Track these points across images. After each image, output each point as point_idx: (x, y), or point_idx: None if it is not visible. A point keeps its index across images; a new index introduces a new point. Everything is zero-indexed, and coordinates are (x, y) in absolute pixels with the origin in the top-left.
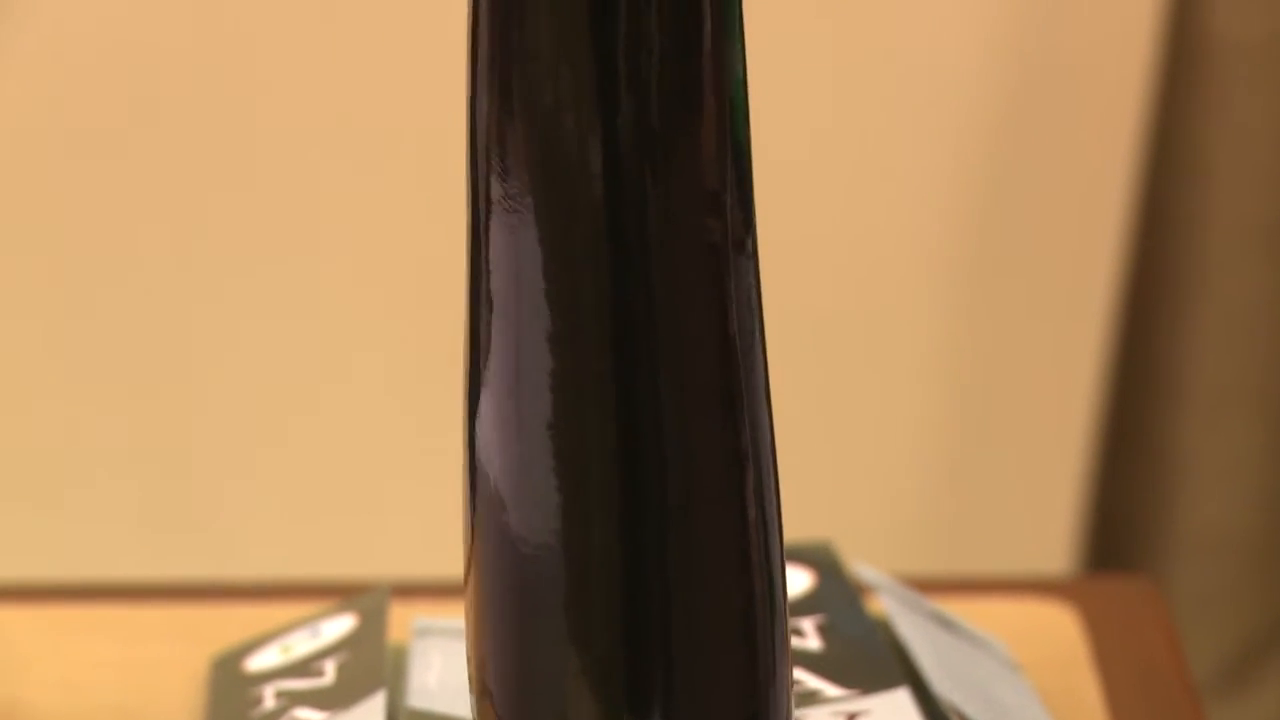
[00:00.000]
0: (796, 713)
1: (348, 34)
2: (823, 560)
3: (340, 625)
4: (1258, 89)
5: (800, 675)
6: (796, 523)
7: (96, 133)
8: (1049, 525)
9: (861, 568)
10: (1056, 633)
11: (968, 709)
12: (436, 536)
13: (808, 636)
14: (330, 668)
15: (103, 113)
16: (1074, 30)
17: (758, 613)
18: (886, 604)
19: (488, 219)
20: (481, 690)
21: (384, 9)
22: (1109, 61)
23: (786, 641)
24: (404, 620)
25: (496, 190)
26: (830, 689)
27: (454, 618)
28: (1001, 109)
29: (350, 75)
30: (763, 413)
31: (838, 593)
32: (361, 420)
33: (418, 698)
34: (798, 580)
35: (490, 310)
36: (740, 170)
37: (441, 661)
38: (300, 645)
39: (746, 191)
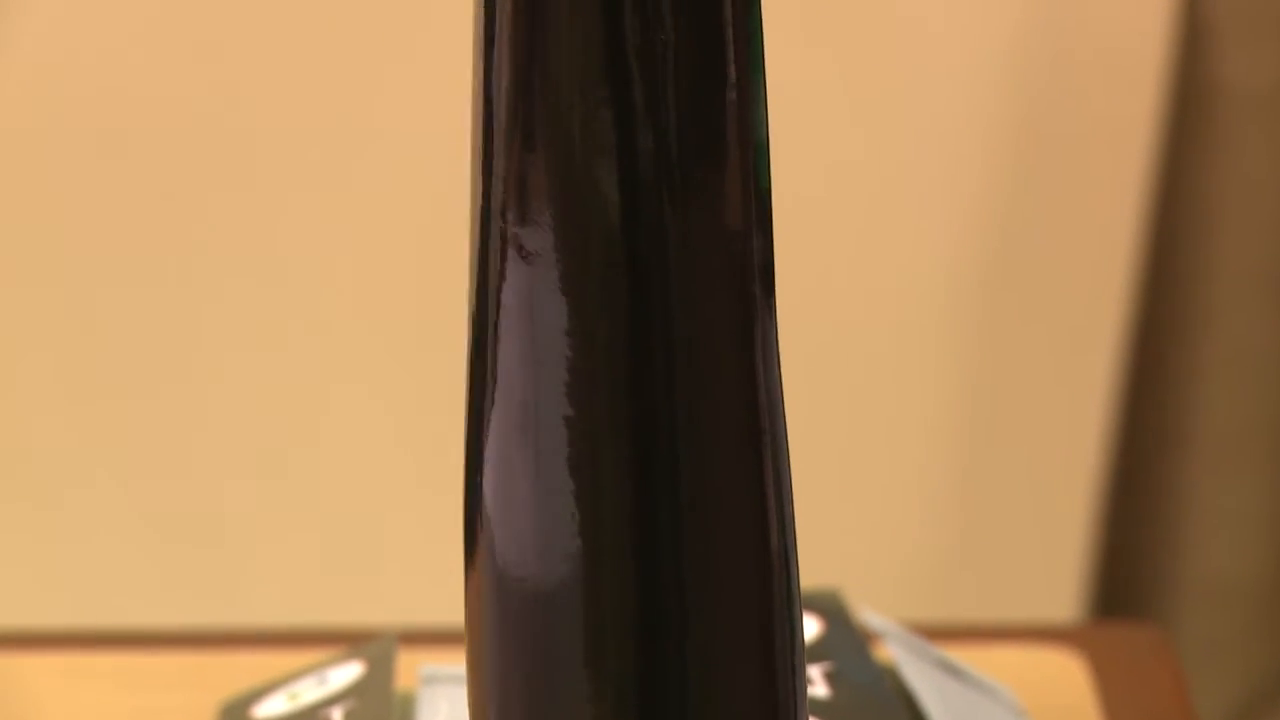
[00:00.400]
0: None
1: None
2: (830, 607)
3: (348, 673)
4: (1266, 136)
5: None
6: (803, 570)
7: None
8: (1056, 572)
9: (869, 615)
10: (1064, 680)
11: None
12: (444, 583)
13: (815, 683)
14: (338, 715)
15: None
16: (1082, 75)
17: (778, 663)
18: (894, 651)
19: (501, 259)
20: None
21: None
22: (1117, 107)
23: (805, 693)
24: (411, 667)
25: (511, 228)
26: None
27: (461, 665)
28: (1008, 155)
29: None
30: (785, 458)
31: (845, 640)
32: (368, 467)
33: None
34: (805, 627)
35: (498, 350)
36: (762, 209)
37: (449, 709)
38: (308, 693)
39: (768, 232)
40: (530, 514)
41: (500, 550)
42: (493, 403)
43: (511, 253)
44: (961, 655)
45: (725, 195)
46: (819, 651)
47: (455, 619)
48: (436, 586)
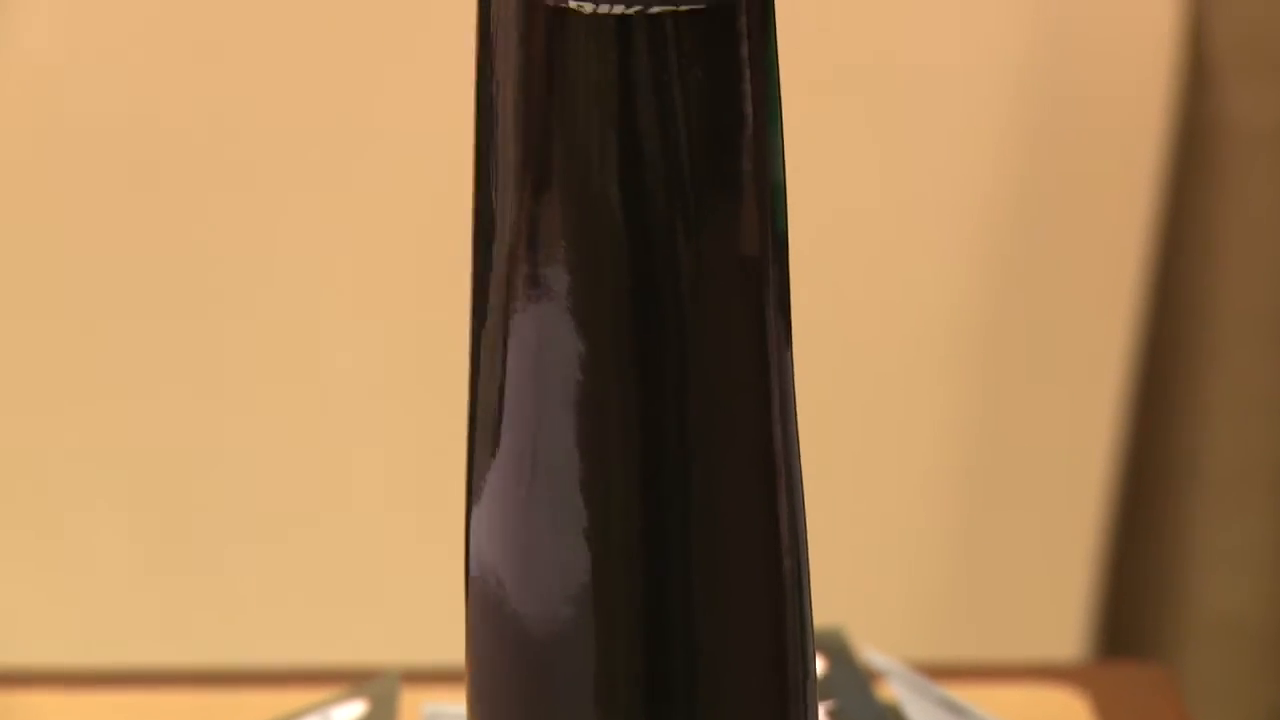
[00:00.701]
0: None
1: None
2: (833, 646)
3: (351, 711)
4: (1270, 174)
5: None
6: None
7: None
8: (1060, 611)
9: (872, 653)
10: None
11: None
12: (446, 622)
13: None
14: None
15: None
16: (1088, 114)
17: (791, 701)
18: (897, 690)
19: (509, 296)
20: None
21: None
22: (1122, 145)
23: None
24: (414, 706)
25: (520, 265)
26: None
27: (464, 704)
28: (1014, 193)
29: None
30: (799, 495)
31: (849, 679)
32: (371, 504)
33: None
34: None
35: (504, 385)
36: (780, 260)
37: None
38: None
39: (785, 282)
40: (535, 550)
41: (502, 588)
42: (497, 439)
43: (519, 290)
44: (965, 694)
45: (741, 231)
46: (823, 690)
47: (458, 658)
48: (439, 625)
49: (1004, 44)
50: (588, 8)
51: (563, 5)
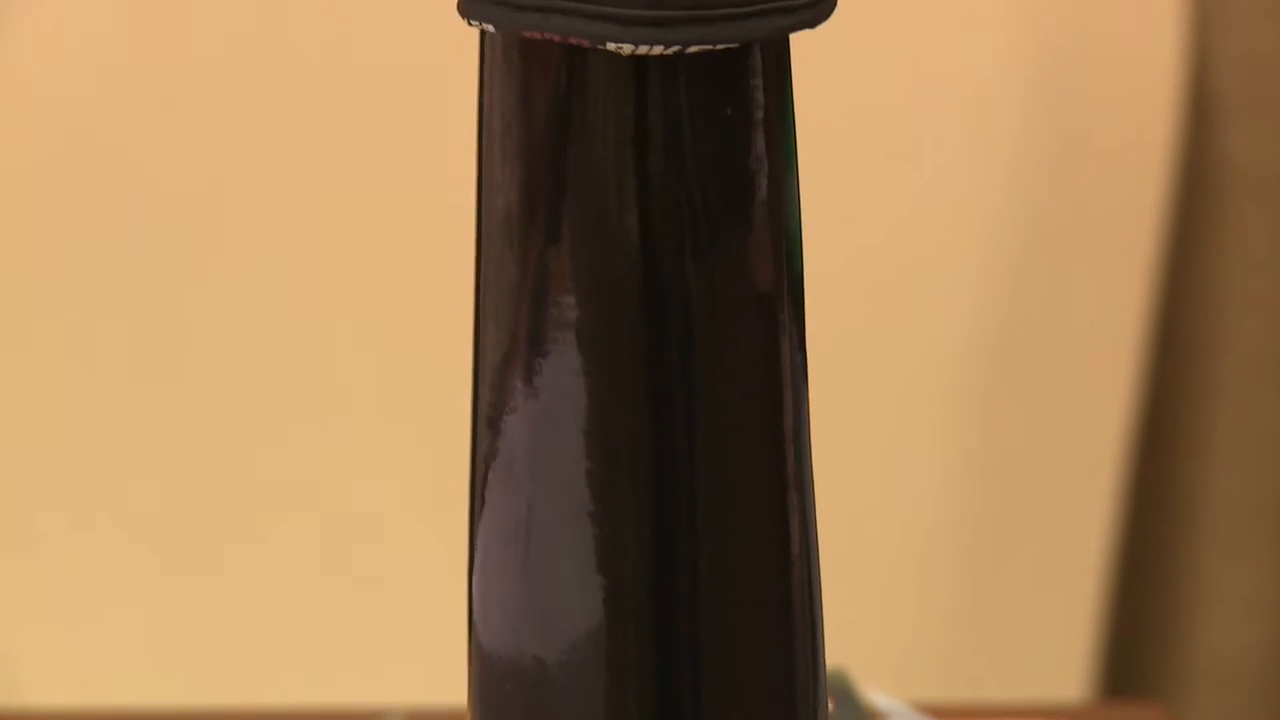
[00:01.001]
0: None
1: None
2: (837, 687)
3: None
4: (1275, 215)
5: None
6: None
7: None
8: (1063, 652)
9: (876, 695)
10: None
11: None
12: (450, 663)
13: None
14: None
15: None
16: (1090, 154)
17: None
18: None
19: (520, 346)
20: None
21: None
22: (1124, 186)
23: None
24: None
25: (529, 315)
26: None
27: None
28: (1015, 232)
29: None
30: (814, 534)
31: (853, 719)
32: (375, 544)
33: None
34: None
35: (509, 433)
36: (797, 300)
37: None
38: None
39: (801, 321)
40: (541, 592)
41: (506, 630)
42: (502, 479)
43: (526, 329)
44: None
45: (757, 274)
46: None
47: (461, 700)
48: (443, 666)
49: (1005, 84)
50: (627, 49)
51: (581, 45)
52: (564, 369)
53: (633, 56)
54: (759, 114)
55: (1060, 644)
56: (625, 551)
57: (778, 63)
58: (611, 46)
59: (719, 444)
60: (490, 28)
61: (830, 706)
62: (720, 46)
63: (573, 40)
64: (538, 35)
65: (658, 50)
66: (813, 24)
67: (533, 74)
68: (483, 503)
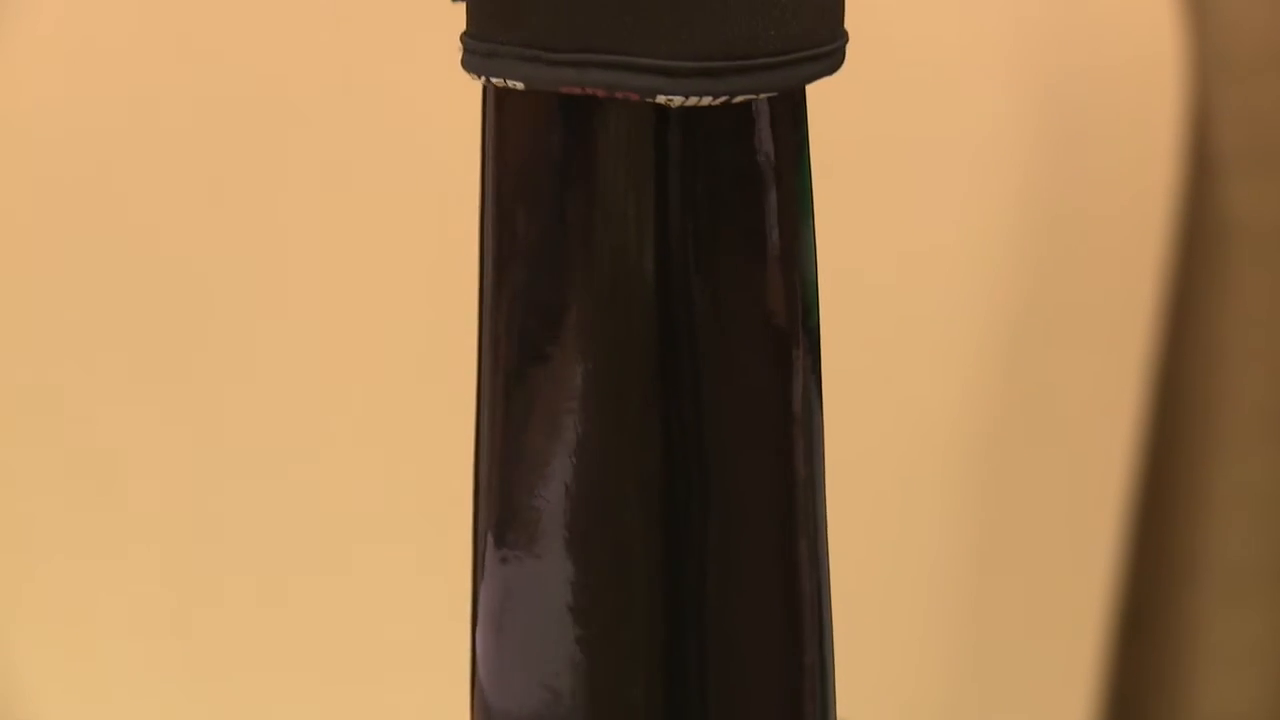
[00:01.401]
0: None
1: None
2: None
3: None
4: (1276, 272)
5: None
6: None
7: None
8: (1065, 704)
9: None
10: None
11: None
12: (453, 704)
13: None
14: None
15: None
16: (1090, 210)
17: None
18: None
19: (517, 384)
20: None
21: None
22: (1124, 242)
23: None
24: None
25: (536, 356)
26: None
27: None
28: (1014, 288)
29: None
30: (827, 602)
31: None
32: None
33: None
34: None
35: (512, 470)
36: (813, 353)
37: None
38: None
39: (817, 374)
40: (542, 632)
41: (509, 671)
42: (504, 520)
43: (531, 375)
44: None
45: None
46: None
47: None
48: (447, 708)
49: (1005, 141)
50: (677, 101)
51: (593, 94)
52: (571, 427)
53: (654, 105)
54: (773, 161)
55: (1061, 697)
56: (629, 593)
57: (794, 109)
58: (661, 99)
59: (730, 499)
60: (519, 85)
61: None
62: (741, 98)
63: (619, 95)
64: (577, 90)
65: (707, 101)
66: (832, 71)
67: (541, 122)
68: (487, 531)
